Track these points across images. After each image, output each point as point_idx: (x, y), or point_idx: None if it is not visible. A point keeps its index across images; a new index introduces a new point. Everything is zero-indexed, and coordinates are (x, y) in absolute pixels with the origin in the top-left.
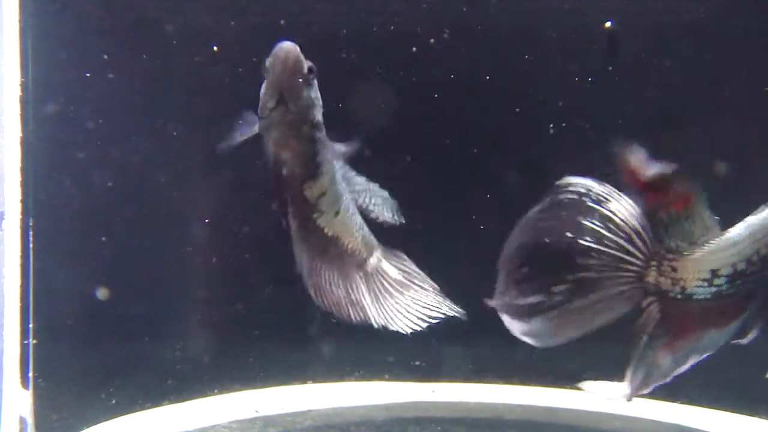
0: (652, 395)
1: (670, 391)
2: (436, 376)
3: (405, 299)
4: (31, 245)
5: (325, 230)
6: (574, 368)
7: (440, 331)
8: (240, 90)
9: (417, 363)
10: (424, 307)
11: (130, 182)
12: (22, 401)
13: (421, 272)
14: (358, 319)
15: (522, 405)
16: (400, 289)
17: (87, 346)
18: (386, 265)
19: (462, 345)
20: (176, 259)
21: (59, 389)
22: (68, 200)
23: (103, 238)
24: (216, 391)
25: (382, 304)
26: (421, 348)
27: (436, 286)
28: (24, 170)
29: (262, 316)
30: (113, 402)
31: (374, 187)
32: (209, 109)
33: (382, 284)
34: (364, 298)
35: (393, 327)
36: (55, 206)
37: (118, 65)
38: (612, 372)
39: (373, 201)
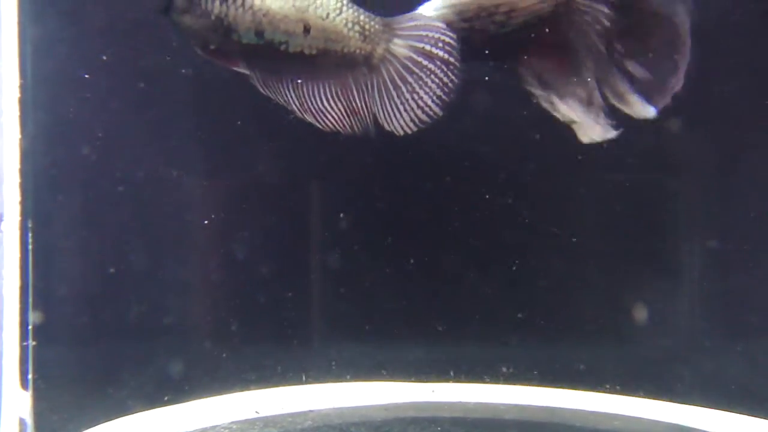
0: (653, 395)
1: (671, 391)
2: (436, 376)
3: (422, 81)
4: (30, 246)
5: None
6: (575, 368)
7: (441, 331)
8: (241, 89)
9: (417, 363)
10: (438, 88)
11: (129, 183)
12: (21, 402)
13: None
14: (364, 124)
15: (522, 405)
16: (416, 70)
17: (87, 347)
18: (398, 46)
19: (462, 345)
20: (177, 259)
21: (59, 390)
22: (68, 201)
23: (104, 239)
24: (216, 391)
25: (392, 96)
26: (421, 348)
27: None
28: (23, 172)
29: (262, 316)
30: (113, 403)
31: None
32: (210, 109)
33: (395, 71)
34: (372, 99)
35: (403, 123)
36: (54, 207)
37: (118, 66)
38: (612, 372)
39: None
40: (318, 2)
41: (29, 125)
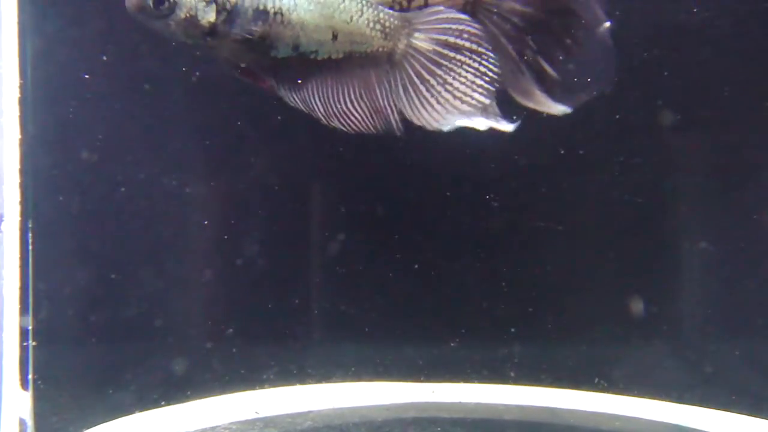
0: (653, 395)
1: (671, 391)
2: (436, 376)
3: (447, 76)
4: (30, 247)
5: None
6: (575, 368)
7: (440, 331)
8: (241, 90)
9: (418, 363)
10: (470, 82)
11: (129, 183)
12: (21, 403)
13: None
14: (388, 122)
15: (522, 405)
16: (444, 62)
17: (87, 347)
18: (419, 40)
19: (462, 345)
20: (176, 259)
21: (59, 391)
22: (68, 202)
23: (104, 239)
24: (216, 391)
25: (420, 91)
26: (421, 348)
27: (488, 47)
28: (23, 172)
29: (262, 316)
30: (113, 403)
31: None
32: (210, 109)
33: (420, 65)
34: (397, 95)
35: (430, 119)
36: (54, 208)
37: (118, 66)
38: (612, 372)
39: None
40: (341, 7)
41: (29, 125)
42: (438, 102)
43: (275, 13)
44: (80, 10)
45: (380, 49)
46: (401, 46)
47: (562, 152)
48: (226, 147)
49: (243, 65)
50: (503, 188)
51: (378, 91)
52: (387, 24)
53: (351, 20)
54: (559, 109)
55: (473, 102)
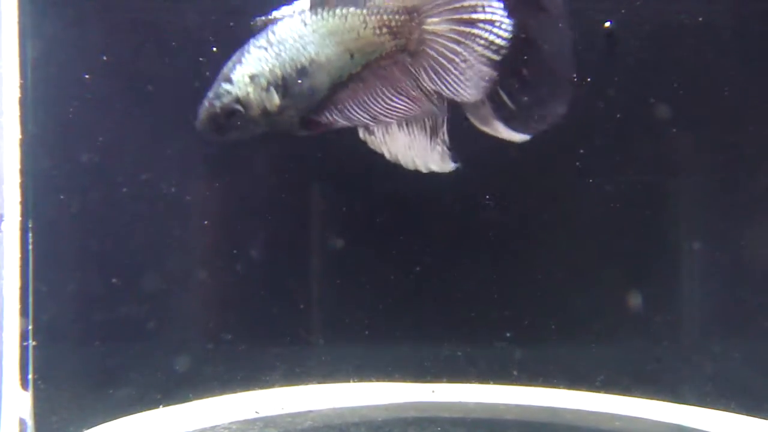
0: (653, 395)
1: (671, 391)
2: (437, 376)
3: (466, 54)
4: (30, 247)
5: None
6: (575, 368)
7: (440, 331)
8: None
9: (417, 363)
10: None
11: (129, 183)
12: (21, 403)
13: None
14: (434, 103)
15: (522, 405)
16: (460, 39)
17: (86, 347)
18: (434, 24)
19: (462, 345)
20: (176, 259)
21: (59, 391)
22: (68, 202)
23: (104, 239)
24: (216, 391)
25: (449, 70)
26: (421, 348)
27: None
28: (23, 172)
29: (262, 316)
30: (113, 403)
31: None
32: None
33: (442, 46)
34: (430, 79)
35: (473, 87)
36: (54, 208)
37: (118, 66)
38: (612, 372)
39: None
40: (346, 27)
41: (29, 125)
42: (470, 76)
43: (311, 62)
44: (80, 11)
45: (394, 49)
46: (415, 36)
47: (563, 152)
48: (227, 147)
49: (304, 120)
50: (503, 188)
51: (407, 82)
52: (393, 23)
53: (359, 35)
54: (516, 137)
55: (491, 67)
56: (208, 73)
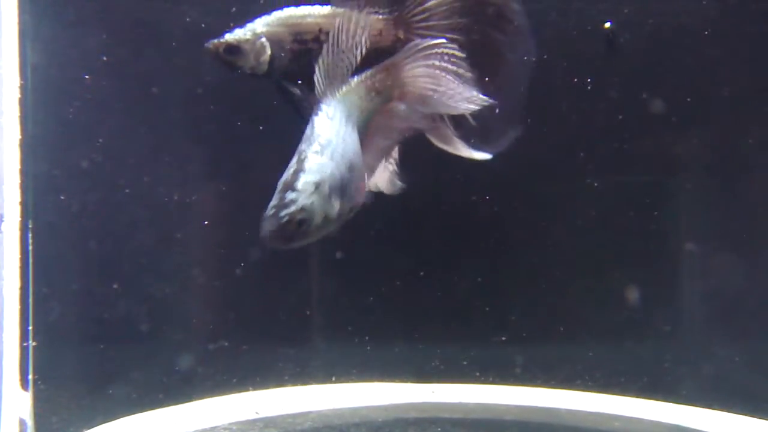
0: (653, 395)
1: (670, 391)
2: (437, 376)
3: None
4: (30, 247)
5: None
6: (575, 369)
7: (440, 331)
8: (240, 91)
9: (417, 364)
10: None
11: (130, 183)
12: (21, 403)
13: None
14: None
15: (522, 406)
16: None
17: (87, 347)
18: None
19: (461, 346)
20: (177, 259)
21: (59, 391)
22: (68, 202)
23: (104, 239)
24: (216, 391)
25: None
26: (421, 349)
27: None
28: (23, 172)
29: (262, 316)
30: (113, 403)
31: None
32: (210, 110)
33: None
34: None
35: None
36: (54, 208)
37: (118, 66)
38: (612, 372)
39: None
40: (353, 104)
41: (29, 126)
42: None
43: (354, 155)
44: (81, 11)
45: (386, 105)
46: (396, 92)
47: (563, 152)
48: (227, 148)
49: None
50: (503, 188)
51: (402, 127)
52: (378, 84)
53: (360, 110)
54: (478, 155)
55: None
56: (208, 76)
